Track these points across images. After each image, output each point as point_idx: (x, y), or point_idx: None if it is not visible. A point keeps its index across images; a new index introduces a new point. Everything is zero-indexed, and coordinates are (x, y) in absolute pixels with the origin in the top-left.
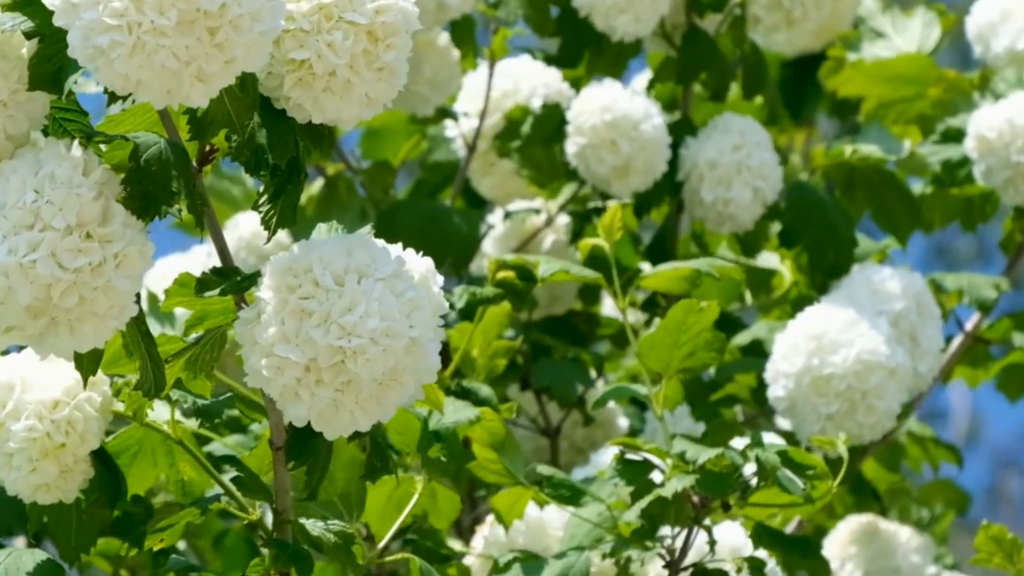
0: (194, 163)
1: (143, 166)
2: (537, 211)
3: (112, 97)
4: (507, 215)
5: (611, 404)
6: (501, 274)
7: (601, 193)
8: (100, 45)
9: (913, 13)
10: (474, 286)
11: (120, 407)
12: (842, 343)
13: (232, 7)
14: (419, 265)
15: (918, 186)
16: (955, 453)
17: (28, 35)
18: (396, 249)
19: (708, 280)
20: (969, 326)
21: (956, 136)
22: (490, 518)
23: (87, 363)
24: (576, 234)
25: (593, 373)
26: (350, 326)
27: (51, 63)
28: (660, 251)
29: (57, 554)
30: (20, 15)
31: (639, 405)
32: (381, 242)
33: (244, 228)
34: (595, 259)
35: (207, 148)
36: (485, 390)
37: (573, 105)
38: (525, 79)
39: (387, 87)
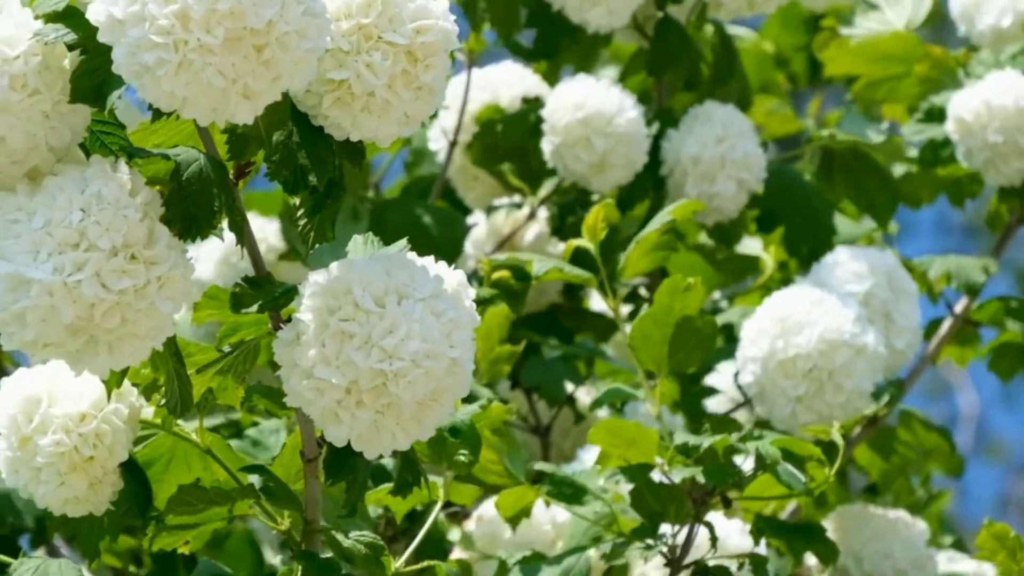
0: (231, 177)
1: (184, 186)
2: (519, 205)
3: (156, 113)
4: (490, 210)
5: (589, 399)
6: (496, 274)
7: (580, 188)
8: (146, 63)
9: None
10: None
11: (148, 414)
12: (806, 323)
13: (279, 24)
14: (451, 278)
15: (902, 166)
16: (946, 436)
17: (71, 47)
18: (432, 265)
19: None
20: (958, 308)
21: (939, 116)
22: (475, 514)
23: (113, 376)
24: (558, 226)
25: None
26: (391, 348)
27: (93, 77)
28: None
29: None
30: (63, 27)
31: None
32: (419, 259)
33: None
34: (584, 256)
35: (244, 163)
36: (485, 392)
37: (547, 103)
38: (504, 87)
39: (425, 106)
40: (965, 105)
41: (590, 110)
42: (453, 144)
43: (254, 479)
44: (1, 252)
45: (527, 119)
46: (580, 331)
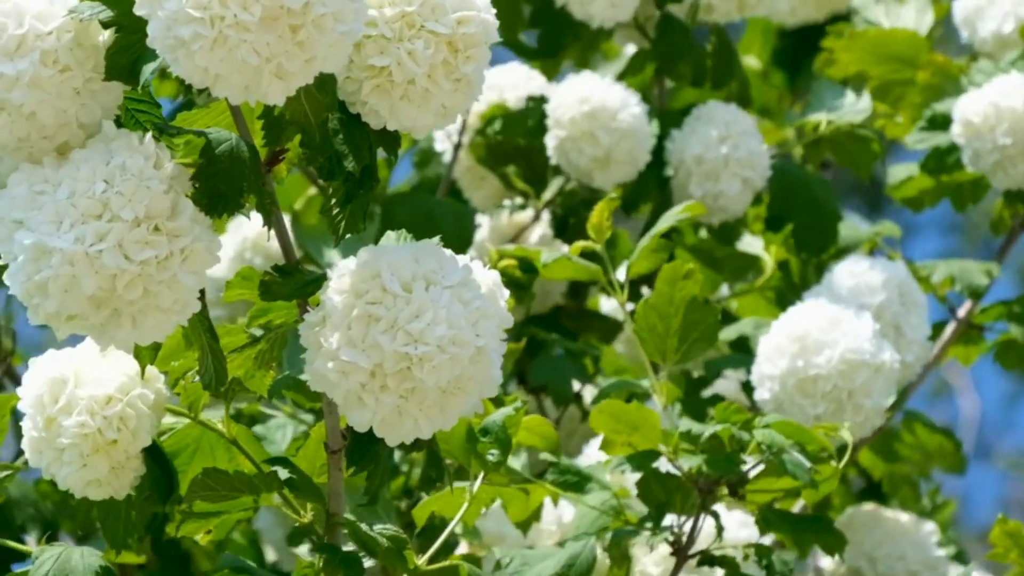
0: (263, 163)
1: (214, 161)
2: (524, 206)
3: (188, 89)
4: (494, 212)
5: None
6: (503, 263)
7: (587, 187)
8: (182, 36)
9: (906, 1)
10: None
11: (174, 402)
12: (826, 343)
13: (316, 6)
14: (486, 277)
15: (906, 169)
16: (950, 437)
17: (105, 24)
18: (463, 258)
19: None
20: (962, 312)
21: (943, 123)
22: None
23: (146, 353)
24: (561, 227)
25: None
26: (417, 333)
27: (128, 54)
28: None
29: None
30: (98, 4)
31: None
32: (448, 251)
33: (248, 228)
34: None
35: (278, 149)
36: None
37: (551, 99)
38: (511, 89)
39: (463, 98)
40: (972, 108)
41: (595, 104)
42: (458, 146)
43: (279, 471)
44: (26, 222)
45: (529, 116)
46: (584, 332)
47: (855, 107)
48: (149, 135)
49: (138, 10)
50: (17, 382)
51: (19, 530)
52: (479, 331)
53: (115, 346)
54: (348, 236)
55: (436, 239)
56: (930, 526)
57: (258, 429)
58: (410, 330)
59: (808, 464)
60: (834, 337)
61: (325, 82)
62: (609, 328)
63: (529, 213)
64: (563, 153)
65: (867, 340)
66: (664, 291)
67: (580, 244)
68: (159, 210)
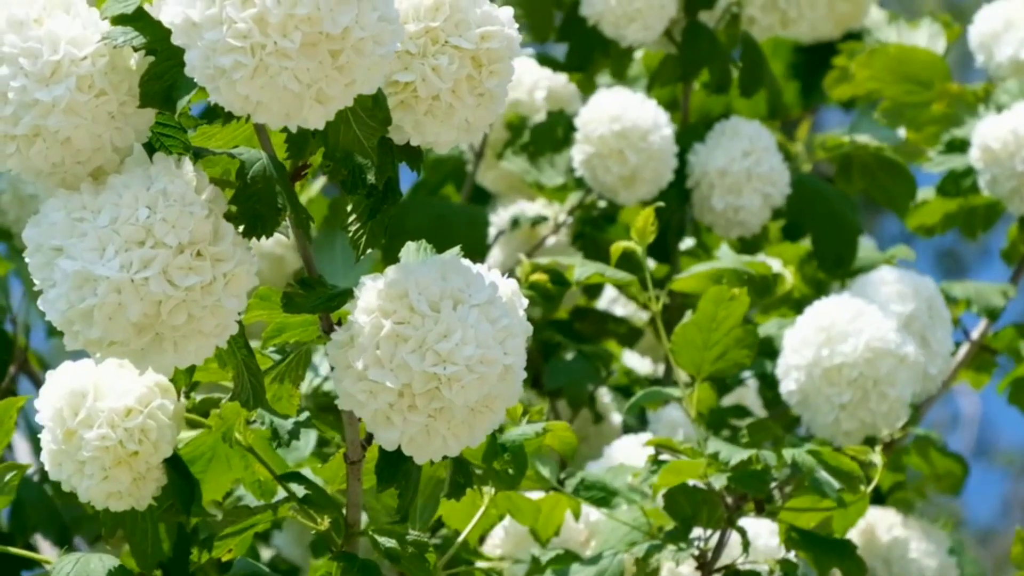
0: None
1: (250, 184)
2: (545, 218)
3: (227, 116)
4: (515, 222)
5: (606, 399)
6: (535, 277)
7: (609, 200)
8: (222, 66)
9: (919, 25)
10: None
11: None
12: (851, 332)
13: (355, 30)
14: (505, 287)
15: (921, 193)
16: (961, 463)
17: (138, 50)
18: (486, 272)
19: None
20: (975, 334)
21: (961, 146)
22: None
23: (181, 377)
24: (578, 236)
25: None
26: (446, 353)
27: (163, 80)
28: (661, 250)
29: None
30: (131, 29)
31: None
32: (474, 266)
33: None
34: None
35: (301, 163)
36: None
37: (581, 113)
38: (527, 74)
39: (487, 113)
40: (992, 133)
41: (626, 123)
42: (480, 155)
43: (295, 487)
44: (67, 251)
45: (558, 125)
46: (601, 337)
47: (883, 133)
48: (187, 159)
49: (175, 40)
50: (32, 378)
51: (32, 532)
52: (507, 349)
53: (154, 369)
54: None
55: (456, 249)
56: (941, 532)
57: None
58: (439, 350)
59: (836, 484)
60: (859, 326)
61: (378, 99)
62: (628, 334)
63: (547, 223)
64: (590, 168)
65: (892, 331)
66: (707, 310)
67: (622, 244)
68: (202, 235)
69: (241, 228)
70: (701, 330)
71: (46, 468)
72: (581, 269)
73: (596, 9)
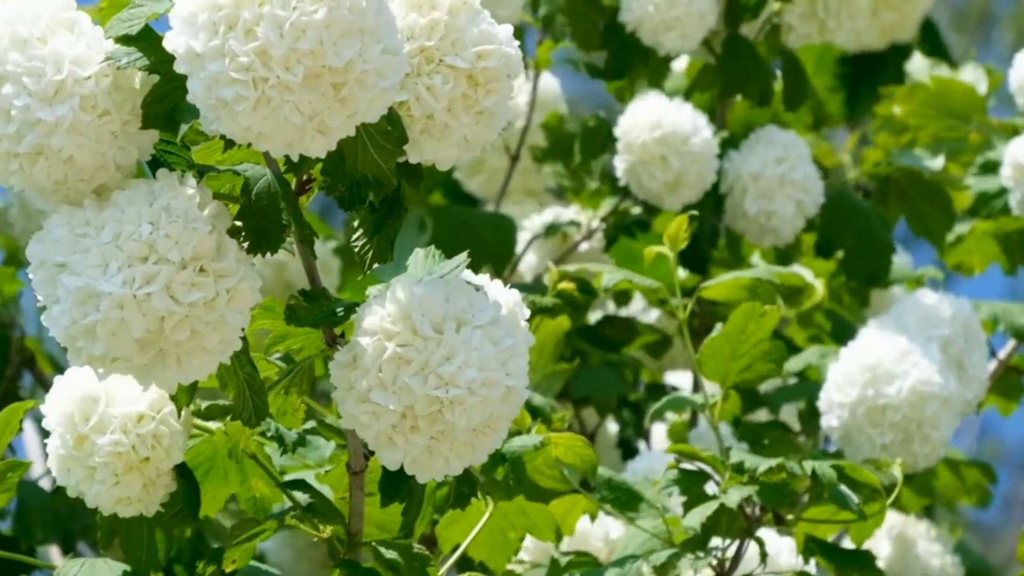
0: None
1: (255, 200)
2: (578, 224)
3: (228, 143)
4: (549, 229)
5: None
6: (562, 285)
7: (644, 204)
8: (224, 98)
9: (961, 70)
10: (533, 295)
11: (201, 422)
12: (897, 374)
13: (358, 64)
14: (507, 298)
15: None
16: (988, 472)
17: (143, 70)
18: (489, 285)
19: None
20: (1002, 354)
21: (994, 168)
22: None
23: (183, 396)
24: (611, 242)
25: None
26: (448, 376)
27: (165, 103)
28: (695, 258)
29: None
30: (135, 50)
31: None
32: (475, 278)
33: None
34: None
35: (304, 178)
36: (538, 398)
37: (620, 121)
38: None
39: (486, 130)
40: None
41: (667, 129)
42: (516, 157)
43: (299, 496)
44: (71, 267)
45: (601, 131)
46: (629, 344)
47: (924, 161)
48: (190, 175)
49: (178, 68)
50: (43, 383)
51: (36, 538)
52: (509, 370)
53: (157, 385)
54: None
55: (463, 256)
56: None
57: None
58: (441, 373)
59: (856, 497)
60: (904, 368)
61: (391, 117)
62: (658, 344)
63: (580, 229)
64: (633, 176)
65: (936, 372)
66: (738, 322)
67: (655, 249)
68: (205, 251)
69: (246, 244)
70: (730, 341)
71: (53, 473)
72: (609, 276)
73: (635, 16)
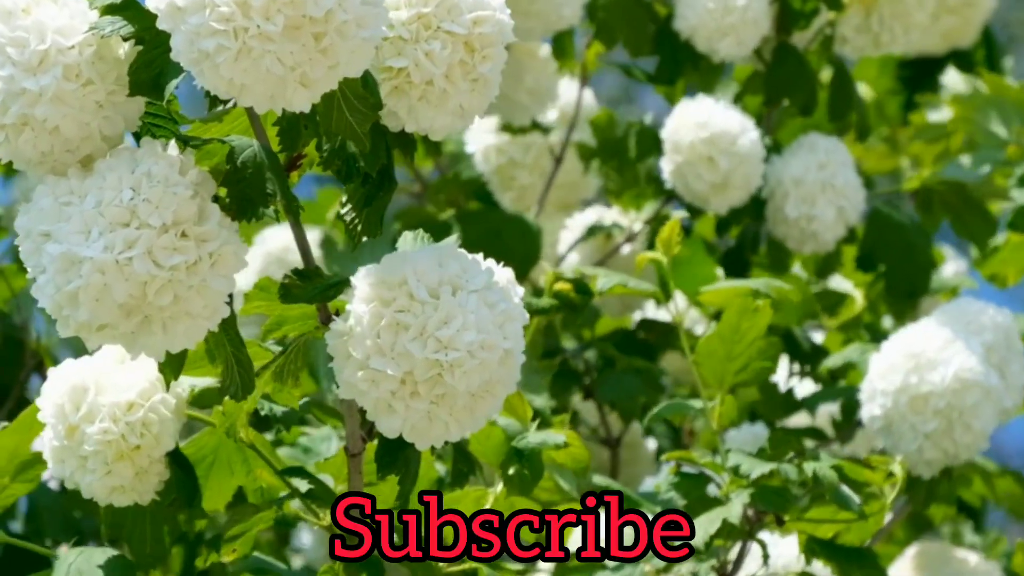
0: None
1: (239, 168)
2: (621, 227)
3: (213, 101)
4: (590, 230)
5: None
6: (558, 286)
7: (688, 207)
8: (206, 49)
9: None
10: (530, 297)
11: (203, 416)
12: (940, 361)
13: (338, 13)
14: (501, 275)
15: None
16: (1019, 480)
17: (127, 39)
18: (482, 260)
19: (784, 299)
20: None
21: None
22: None
23: (171, 365)
24: (652, 246)
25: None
26: (447, 339)
27: (151, 68)
28: (737, 262)
29: None
30: (119, 19)
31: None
32: (469, 254)
33: (272, 243)
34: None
35: (295, 155)
36: (539, 400)
37: (667, 123)
38: None
39: (481, 98)
40: None
41: (715, 129)
42: (559, 160)
43: (298, 482)
44: (54, 235)
45: (648, 137)
46: (667, 348)
47: (968, 173)
48: (172, 142)
49: (160, 24)
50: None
51: (48, 539)
52: (506, 334)
53: (146, 354)
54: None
55: (454, 237)
56: (995, 570)
57: (303, 440)
58: (440, 336)
59: (857, 499)
60: (948, 356)
61: (367, 82)
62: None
63: (622, 231)
64: (680, 177)
65: (979, 363)
66: (731, 321)
67: (647, 255)
68: (186, 215)
69: (230, 211)
70: (724, 341)
71: (48, 465)
72: (605, 279)
73: (689, 23)
